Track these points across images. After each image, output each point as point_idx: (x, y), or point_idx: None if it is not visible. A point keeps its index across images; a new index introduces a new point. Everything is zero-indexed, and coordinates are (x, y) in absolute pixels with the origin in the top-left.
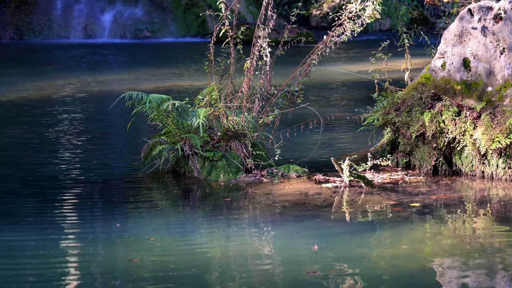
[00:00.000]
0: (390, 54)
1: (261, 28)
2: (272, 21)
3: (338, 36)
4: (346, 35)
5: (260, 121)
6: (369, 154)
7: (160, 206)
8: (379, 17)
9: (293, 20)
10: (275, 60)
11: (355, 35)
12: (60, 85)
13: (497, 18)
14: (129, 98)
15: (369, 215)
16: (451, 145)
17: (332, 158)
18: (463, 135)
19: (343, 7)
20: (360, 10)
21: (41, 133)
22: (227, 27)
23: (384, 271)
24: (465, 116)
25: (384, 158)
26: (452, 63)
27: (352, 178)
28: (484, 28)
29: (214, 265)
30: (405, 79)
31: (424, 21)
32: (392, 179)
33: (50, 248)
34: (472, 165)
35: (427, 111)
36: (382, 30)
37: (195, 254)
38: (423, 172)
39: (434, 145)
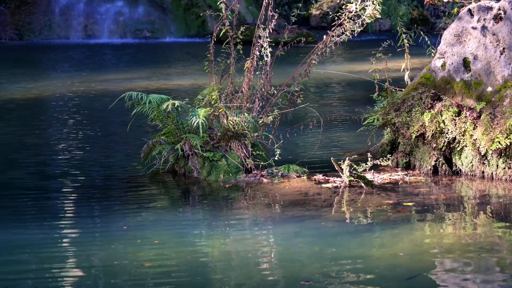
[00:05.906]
0: (390, 54)
1: (262, 28)
2: (274, 20)
3: (338, 36)
4: (346, 35)
5: (260, 121)
6: (369, 154)
7: (159, 206)
8: (379, 17)
9: (293, 21)
10: (275, 60)
11: (355, 35)
12: (59, 85)
13: (497, 18)
14: (129, 98)
15: (369, 215)
16: (451, 145)
17: (332, 158)
18: (463, 135)
19: (343, 6)
20: (360, 10)
21: (40, 133)
22: (227, 27)
23: (384, 271)
24: (465, 116)
25: (384, 158)
26: (452, 63)
27: (352, 178)
28: (484, 28)
29: (213, 265)
30: (405, 79)
31: (424, 21)
32: (392, 179)
33: (50, 248)
34: (472, 165)
35: (427, 111)
36: (382, 30)
37: (195, 254)
38: (423, 172)
39: (434, 145)
